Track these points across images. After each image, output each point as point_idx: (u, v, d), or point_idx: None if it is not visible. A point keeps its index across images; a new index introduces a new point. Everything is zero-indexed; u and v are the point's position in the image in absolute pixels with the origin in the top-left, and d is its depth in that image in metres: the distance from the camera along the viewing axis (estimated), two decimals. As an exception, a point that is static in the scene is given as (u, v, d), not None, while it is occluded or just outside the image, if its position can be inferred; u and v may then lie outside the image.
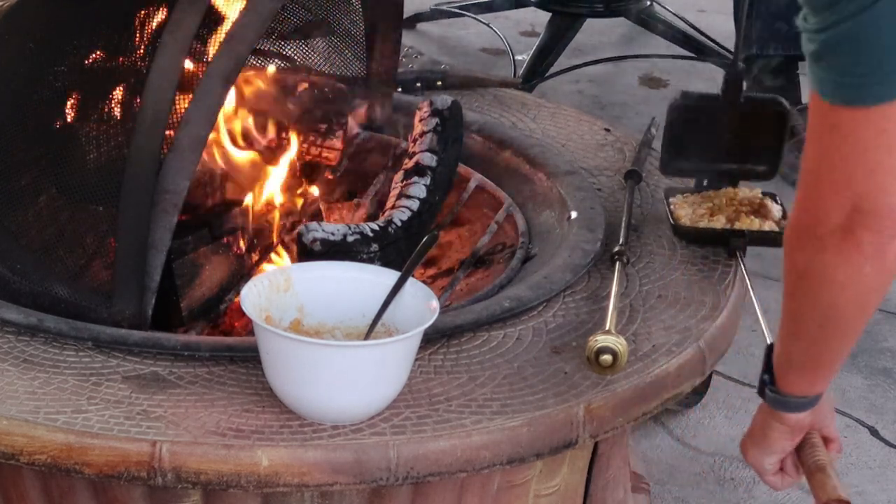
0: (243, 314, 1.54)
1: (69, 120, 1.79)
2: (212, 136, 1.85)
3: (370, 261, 1.79)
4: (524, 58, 3.73)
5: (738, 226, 1.90)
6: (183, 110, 1.70)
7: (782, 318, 1.47)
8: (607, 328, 1.63)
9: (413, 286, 1.60)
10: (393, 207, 1.92)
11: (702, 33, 3.87)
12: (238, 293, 1.69)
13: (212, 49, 1.78)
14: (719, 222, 1.92)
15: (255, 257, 1.92)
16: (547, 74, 3.69)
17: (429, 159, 1.97)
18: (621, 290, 1.77)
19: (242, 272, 1.88)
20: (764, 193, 1.97)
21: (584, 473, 1.77)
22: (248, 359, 1.60)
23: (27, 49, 1.82)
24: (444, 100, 2.03)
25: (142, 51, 1.78)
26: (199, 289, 1.81)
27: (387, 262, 1.75)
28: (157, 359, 1.62)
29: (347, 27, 2.18)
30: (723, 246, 1.90)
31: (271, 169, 2.01)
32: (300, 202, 2.03)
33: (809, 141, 1.32)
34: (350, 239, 1.80)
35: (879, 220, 1.28)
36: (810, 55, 1.29)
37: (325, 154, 2.14)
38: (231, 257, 1.87)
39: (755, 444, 1.58)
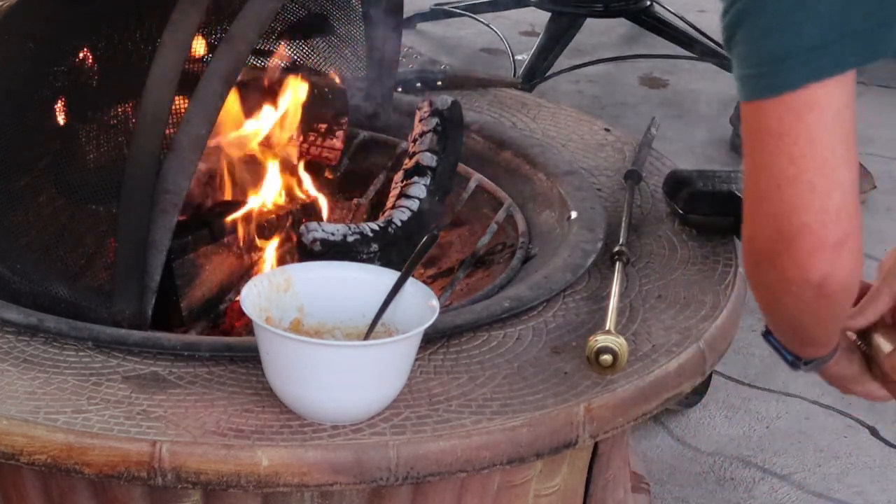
0: (243, 314, 1.54)
1: (69, 120, 1.79)
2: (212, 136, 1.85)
3: (370, 261, 1.79)
4: (524, 58, 3.73)
5: None
6: (183, 110, 1.71)
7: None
8: (607, 328, 1.63)
9: (413, 286, 1.60)
10: (393, 207, 1.92)
11: (702, 33, 3.87)
12: (238, 293, 1.69)
13: (212, 49, 1.78)
14: None
15: (255, 257, 1.92)
16: (547, 74, 3.69)
17: (429, 159, 1.97)
18: (621, 290, 1.77)
19: (242, 272, 1.88)
20: None
21: (584, 473, 1.77)
22: (248, 359, 1.60)
23: (27, 49, 1.82)
24: (444, 100, 2.03)
25: (142, 51, 1.78)
26: (200, 289, 1.81)
27: (387, 262, 1.75)
28: (157, 359, 1.62)
29: (347, 27, 2.18)
30: (734, 234, 1.90)
31: (271, 169, 2.01)
32: (300, 202, 2.03)
33: (745, 149, 1.22)
34: (350, 239, 1.80)
35: (797, 248, 1.17)
36: (724, 47, 1.20)
37: (325, 154, 2.13)
38: (231, 257, 1.87)
39: (850, 387, 1.46)
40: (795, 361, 1.42)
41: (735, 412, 2.52)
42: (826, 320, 1.31)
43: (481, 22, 4.01)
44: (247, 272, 1.88)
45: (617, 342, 1.59)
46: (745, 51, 1.16)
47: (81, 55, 1.82)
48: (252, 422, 1.52)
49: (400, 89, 2.29)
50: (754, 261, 1.24)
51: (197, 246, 1.82)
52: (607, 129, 2.25)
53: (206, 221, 1.87)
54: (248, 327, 1.80)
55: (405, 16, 2.23)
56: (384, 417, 1.53)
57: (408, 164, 1.98)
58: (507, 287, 1.82)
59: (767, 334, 1.43)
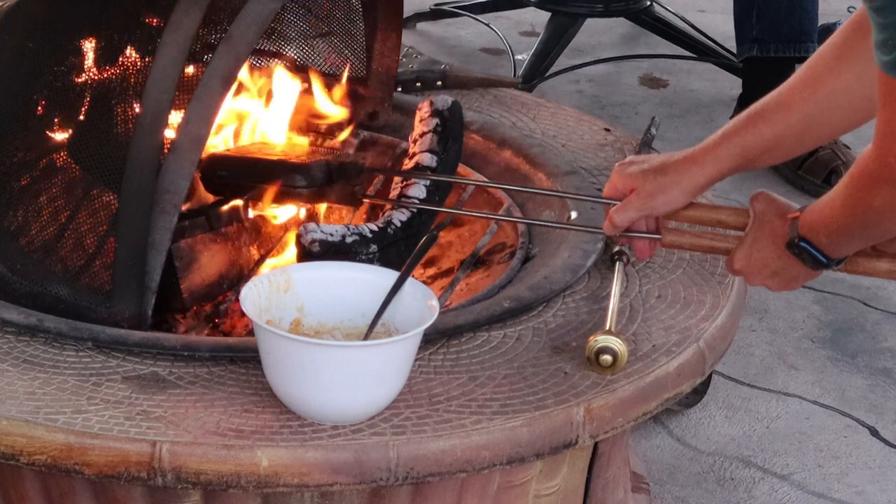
0: (243, 314, 1.54)
1: (69, 120, 1.79)
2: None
3: (369, 262, 1.78)
4: (524, 58, 3.73)
5: None
6: (183, 110, 1.71)
7: (837, 222, 1.54)
8: (607, 328, 1.63)
9: (413, 286, 1.60)
10: (392, 208, 1.91)
11: (702, 33, 3.87)
12: (238, 293, 1.69)
13: (212, 49, 1.78)
14: None
15: (255, 254, 1.92)
16: (547, 74, 3.69)
17: (429, 160, 1.97)
18: (621, 290, 1.77)
19: (242, 268, 1.88)
20: None
21: (584, 473, 1.77)
22: (248, 359, 1.61)
23: (27, 49, 1.82)
24: (444, 100, 2.03)
25: (142, 51, 1.78)
26: (199, 273, 1.81)
27: (386, 263, 1.75)
28: (157, 359, 1.62)
29: (347, 27, 2.18)
30: None
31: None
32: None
33: (881, 103, 1.39)
34: (349, 240, 1.80)
35: None
36: (869, 10, 1.33)
37: (324, 154, 2.13)
38: (231, 251, 1.87)
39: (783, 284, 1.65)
40: (828, 262, 1.59)
41: (735, 412, 2.52)
42: None
43: (481, 22, 4.01)
44: (247, 271, 1.88)
45: (617, 342, 1.59)
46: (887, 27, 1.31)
47: (81, 55, 1.82)
48: (252, 422, 1.52)
49: (400, 89, 2.29)
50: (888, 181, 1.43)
51: (194, 232, 1.82)
52: (607, 129, 2.25)
53: (202, 211, 1.87)
54: (248, 327, 1.81)
55: (405, 16, 2.23)
56: (384, 417, 1.53)
57: (408, 164, 1.98)
58: (507, 287, 1.82)
59: (801, 241, 1.57)
